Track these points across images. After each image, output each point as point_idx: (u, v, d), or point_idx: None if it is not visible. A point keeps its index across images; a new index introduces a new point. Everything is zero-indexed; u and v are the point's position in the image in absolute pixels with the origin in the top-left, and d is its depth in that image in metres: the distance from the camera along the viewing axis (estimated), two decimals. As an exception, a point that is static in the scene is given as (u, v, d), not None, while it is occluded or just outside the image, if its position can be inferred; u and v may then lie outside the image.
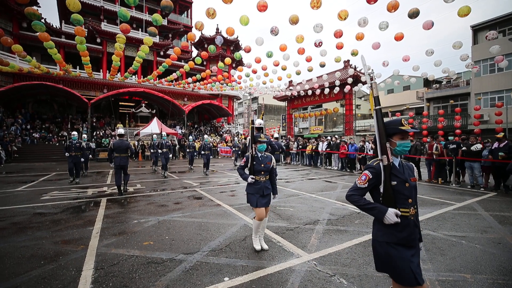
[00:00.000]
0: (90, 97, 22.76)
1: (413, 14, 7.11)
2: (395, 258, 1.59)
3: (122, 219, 4.64)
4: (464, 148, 8.11)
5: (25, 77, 20.51)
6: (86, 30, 25.08)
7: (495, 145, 7.39)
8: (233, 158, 17.81)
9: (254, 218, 3.36)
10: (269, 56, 10.79)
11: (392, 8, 6.88)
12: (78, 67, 23.29)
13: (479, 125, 16.49)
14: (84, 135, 9.84)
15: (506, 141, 7.26)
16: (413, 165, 1.88)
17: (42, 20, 22.29)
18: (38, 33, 7.56)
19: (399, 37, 8.48)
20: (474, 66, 11.46)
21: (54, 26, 24.90)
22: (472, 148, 7.79)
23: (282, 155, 14.43)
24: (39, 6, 22.59)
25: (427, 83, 29.47)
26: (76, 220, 4.57)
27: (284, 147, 13.82)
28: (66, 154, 8.49)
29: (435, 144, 8.90)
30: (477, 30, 20.93)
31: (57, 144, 19.73)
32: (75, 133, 9.16)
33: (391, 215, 1.56)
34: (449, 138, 9.50)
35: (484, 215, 4.93)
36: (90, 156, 9.63)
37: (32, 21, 6.90)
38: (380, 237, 1.66)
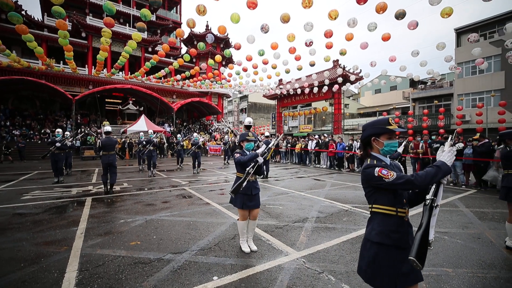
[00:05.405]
0: (75, 93, 21.97)
1: (400, 15, 7.27)
2: (383, 262, 1.51)
3: (108, 219, 4.52)
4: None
5: (4, 72, 19.51)
6: (70, 24, 24.18)
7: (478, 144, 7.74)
8: (222, 156, 17.71)
9: (238, 219, 3.29)
10: (261, 55, 10.74)
11: (381, 9, 6.99)
12: (61, 62, 22.42)
13: (461, 125, 17.13)
14: (67, 133, 9.48)
15: (486, 140, 7.62)
16: (399, 164, 1.88)
17: (23, 12, 21.33)
18: (16, 25, 7.18)
19: (386, 38, 8.64)
20: (457, 67, 11.85)
21: (36, 19, 23.84)
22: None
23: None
24: (19, -3, 21.57)
25: (413, 83, 30.32)
26: (59, 221, 4.41)
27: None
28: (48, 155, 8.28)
29: (421, 143, 9.18)
30: (460, 33, 21.64)
31: (39, 142, 19.00)
32: (59, 130, 8.89)
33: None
34: (432, 137, 9.81)
35: (465, 211, 5.12)
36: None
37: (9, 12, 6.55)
38: (373, 237, 1.57)
